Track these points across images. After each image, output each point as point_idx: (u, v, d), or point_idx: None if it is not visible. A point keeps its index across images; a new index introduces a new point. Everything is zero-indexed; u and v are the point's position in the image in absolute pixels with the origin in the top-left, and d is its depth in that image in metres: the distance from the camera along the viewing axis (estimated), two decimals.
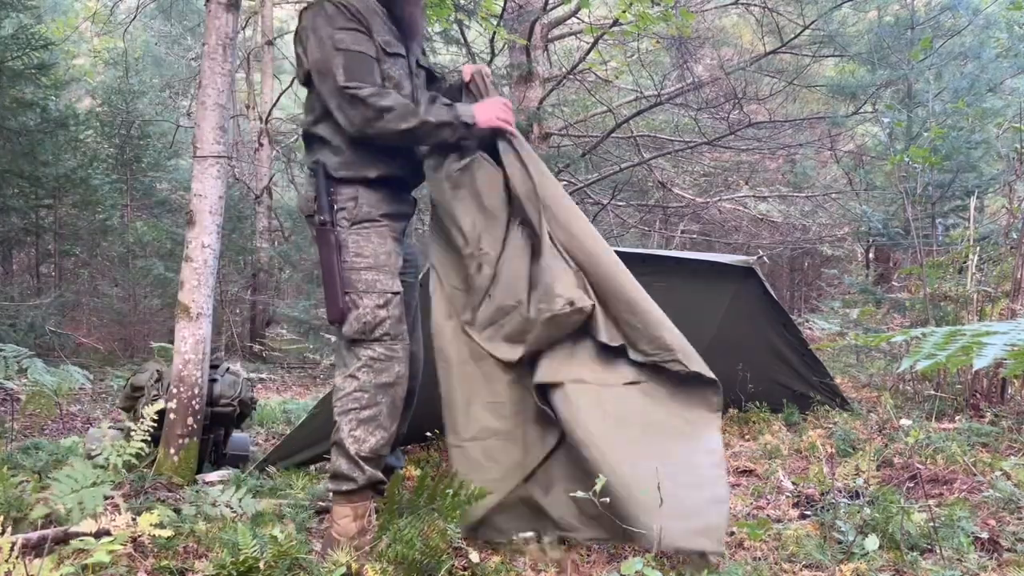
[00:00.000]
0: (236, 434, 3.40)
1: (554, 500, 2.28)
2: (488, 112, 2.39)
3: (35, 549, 2.05)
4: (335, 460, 2.28)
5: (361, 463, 2.25)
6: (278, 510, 2.55)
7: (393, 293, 2.33)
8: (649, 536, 2.01)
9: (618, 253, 2.47)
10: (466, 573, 2.11)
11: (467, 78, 2.54)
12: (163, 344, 5.02)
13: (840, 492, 2.70)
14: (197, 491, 2.64)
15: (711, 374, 2.30)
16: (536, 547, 2.24)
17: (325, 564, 2.06)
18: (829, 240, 11.06)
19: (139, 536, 1.97)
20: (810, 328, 6.82)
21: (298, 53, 2.38)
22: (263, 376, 7.14)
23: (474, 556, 2.13)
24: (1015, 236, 4.71)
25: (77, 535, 1.86)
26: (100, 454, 2.28)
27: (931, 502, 2.49)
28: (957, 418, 3.75)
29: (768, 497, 2.84)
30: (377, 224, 2.36)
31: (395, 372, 2.32)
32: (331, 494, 2.33)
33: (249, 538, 1.95)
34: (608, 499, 2.08)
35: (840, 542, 2.22)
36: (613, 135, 7.97)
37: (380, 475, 2.30)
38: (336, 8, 2.27)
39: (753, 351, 4.01)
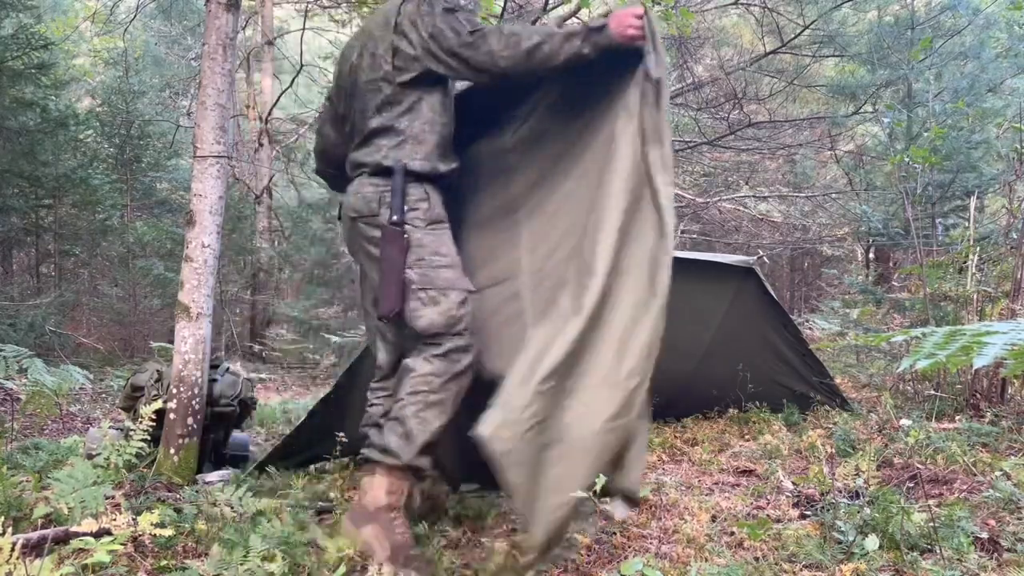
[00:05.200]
0: (236, 434, 3.40)
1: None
2: (622, 20, 2.22)
3: (35, 549, 2.05)
4: (384, 435, 2.29)
5: (416, 443, 2.26)
6: (278, 510, 2.55)
7: (469, 292, 2.40)
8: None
9: None
10: (467, 573, 2.11)
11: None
12: (163, 344, 5.03)
13: (840, 492, 2.70)
14: (197, 491, 2.64)
15: None
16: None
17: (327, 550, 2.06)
18: (829, 240, 11.07)
19: (139, 536, 1.97)
20: (810, 328, 6.83)
21: (397, 47, 2.38)
22: (263, 376, 7.14)
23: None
24: (1015, 236, 4.71)
25: (77, 535, 1.86)
26: (100, 454, 2.28)
27: (931, 502, 2.49)
28: (957, 418, 3.75)
29: (768, 497, 2.84)
30: (446, 225, 2.44)
31: (467, 363, 2.36)
32: (366, 464, 2.33)
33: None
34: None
35: (840, 542, 2.22)
36: None
37: (428, 462, 2.31)
38: None
39: (753, 351, 4.01)
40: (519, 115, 2.65)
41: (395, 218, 2.34)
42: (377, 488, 2.25)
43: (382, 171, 2.40)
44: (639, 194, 2.28)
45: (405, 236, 2.34)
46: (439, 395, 2.30)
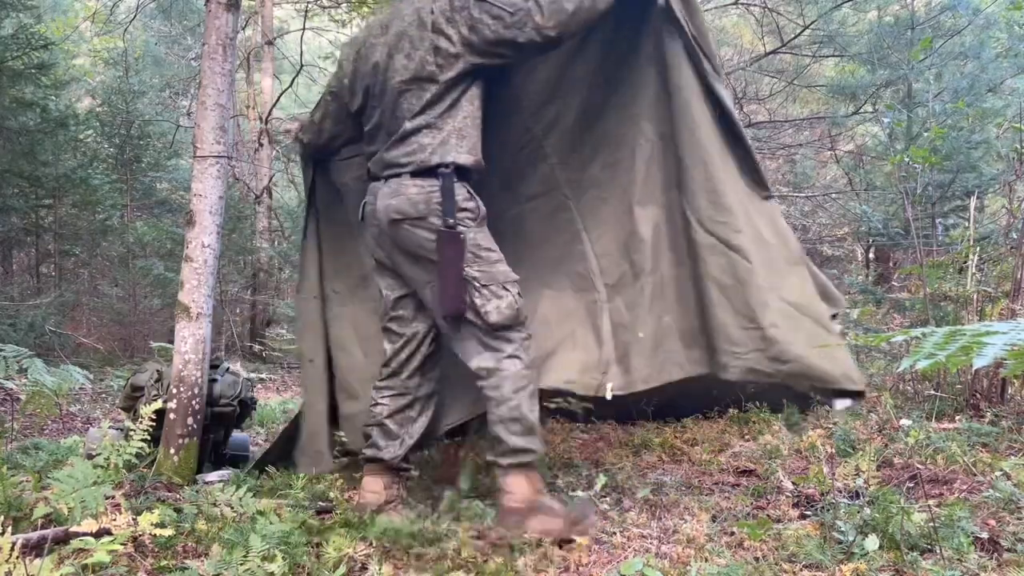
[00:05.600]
0: (236, 434, 3.40)
1: None
2: None
3: (35, 549, 2.05)
4: (506, 436, 2.36)
5: (537, 434, 2.39)
6: (278, 510, 2.55)
7: (517, 281, 2.49)
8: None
9: None
10: (468, 573, 2.11)
11: None
12: (163, 344, 5.02)
13: (840, 492, 2.70)
14: (197, 491, 2.64)
15: None
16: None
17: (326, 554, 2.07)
18: (829, 240, 11.06)
19: (139, 536, 1.97)
20: None
21: (437, 45, 2.38)
22: (263, 376, 7.14)
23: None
24: (1015, 236, 4.71)
25: (77, 535, 1.86)
26: (100, 454, 2.28)
27: (931, 502, 2.49)
28: (957, 418, 3.75)
29: (768, 497, 2.84)
30: (486, 219, 2.51)
31: (533, 351, 2.50)
32: (499, 469, 2.39)
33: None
34: None
35: (840, 542, 2.22)
36: None
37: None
38: None
39: None
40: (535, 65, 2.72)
41: (451, 221, 2.38)
42: (521, 487, 2.35)
43: (426, 171, 2.40)
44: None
45: (462, 236, 2.39)
46: (533, 386, 2.44)
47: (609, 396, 2.56)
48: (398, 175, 2.44)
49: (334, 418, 3.03)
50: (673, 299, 2.60)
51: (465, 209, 2.42)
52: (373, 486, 2.60)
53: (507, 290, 2.42)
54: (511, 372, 2.40)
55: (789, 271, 2.44)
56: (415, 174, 2.41)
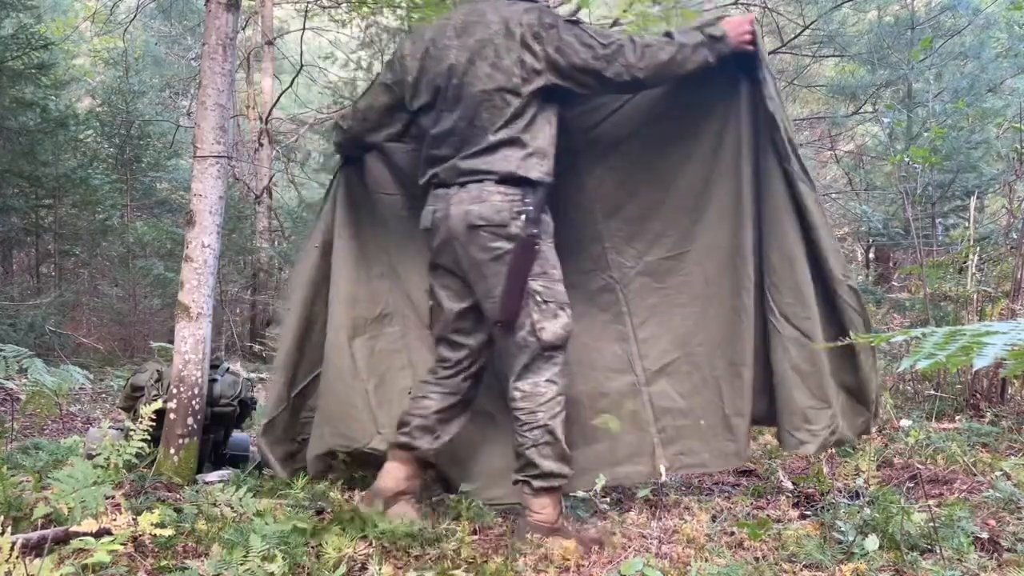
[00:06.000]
0: (236, 434, 3.40)
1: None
2: (738, 26, 2.40)
3: (35, 549, 2.05)
4: (540, 460, 2.38)
5: (568, 461, 2.43)
6: (278, 510, 2.55)
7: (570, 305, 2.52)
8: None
9: None
10: (468, 573, 2.11)
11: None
12: (163, 344, 5.02)
13: (840, 492, 2.70)
14: (197, 491, 2.64)
15: None
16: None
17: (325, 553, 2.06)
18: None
19: (139, 536, 1.97)
20: None
21: (523, 59, 2.37)
22: (263, 376, 7.13)
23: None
24: (1015, 236, 4.71)
25: (77, 535, 1.86)
26: (100, 454, 2.27)
27: (931, 502, 2.49)
28: (957, 418, 3.75)
29: (768, 497, 2.84)
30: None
31: (567, 376, 2.53)
32: (528, 488, 2.40)
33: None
34: None
35: (840, 542, 2.22)
36: None
37: None
38: (549, 7, 2.49)
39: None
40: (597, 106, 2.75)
41: (535, 231, 2.40)
42: (545, 508, 2.37)
43: (513, 181, 2.39)
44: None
45: (536, 248, 2.41)
46: (564, 411, 2.46)
47: (664, 477, 2.64)
48: (480, 181, 2.41)
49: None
50: (738, 392, 2.67)
51: (543, 223, 2.47)
52: (396, 472, 2.57)
53: (563, 311, 2.45)
54: (548, 397, 2.41)
55: (843, 355, 2.64)
56: (500, 182, 2.39)
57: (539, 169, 2.41)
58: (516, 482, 2.45)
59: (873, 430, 2.61)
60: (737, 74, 2.56)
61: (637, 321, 2.76)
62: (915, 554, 2.11)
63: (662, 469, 2.62)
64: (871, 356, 2.66)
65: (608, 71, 2.35)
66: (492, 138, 2.39)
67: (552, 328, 2.41)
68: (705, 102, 2.64)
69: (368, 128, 2.74)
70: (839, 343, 2.18)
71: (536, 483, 2.39)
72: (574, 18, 2.41)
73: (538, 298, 2.40)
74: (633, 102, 2.71)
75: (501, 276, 2.40)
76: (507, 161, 2.38)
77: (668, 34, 2.41)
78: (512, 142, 2.39)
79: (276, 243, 9.88)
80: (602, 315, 2.75)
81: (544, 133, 2.43)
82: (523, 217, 2.38)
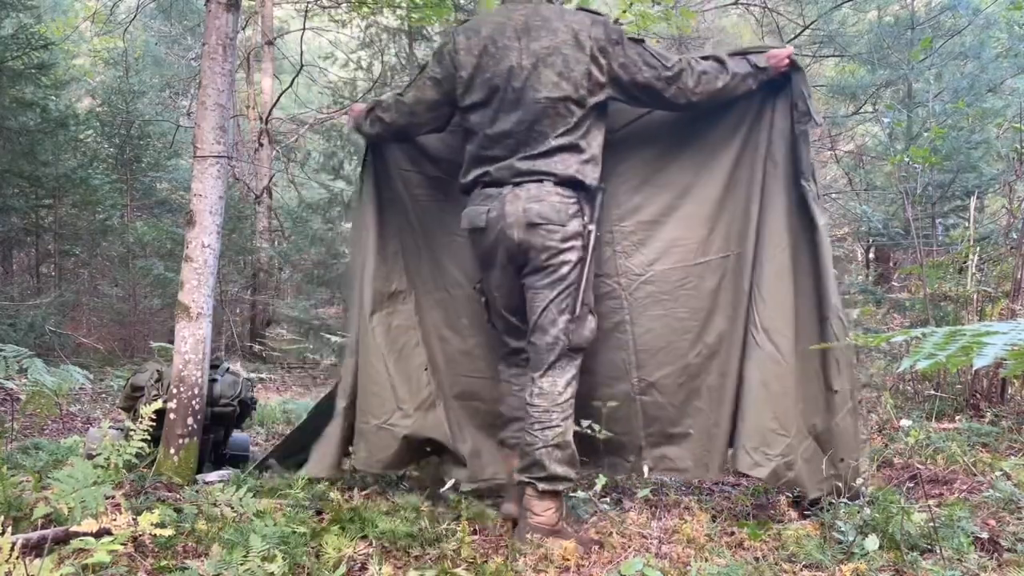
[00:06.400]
0: (236, 434, 3.40)
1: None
2: (778, 58, 2.58)
3: (35, 549, 2.05)
4: (548, 463, 2.39)
5: (575, 465, 2.46)
6: (278, 510, 2.55)
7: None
8: None
9: None
10: (468, 573, 2.11)
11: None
12: (163, 344, 5.02)
13: (840, 492, 2.69)
14: (197, 491, 2.64)
15: None
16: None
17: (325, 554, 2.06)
18: (829, 240, 11.03)
19: (139, 536, 1.97)
20: None
21: (590, 71, 2.43)
22: (263, 376, 7.13)
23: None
24: (1015, 236, 4.71)
25: (77, 535, 1.86)
26: (100, 454, 2.27)
27: (931, 502, 2.49)
28: (957, 418, 3.75)
29: (768, 497, 2.84)
30: None
31: None
32: (532, 490, 2.41)
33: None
34: None
35: (840, 542, 2.22)
36: None
37: None
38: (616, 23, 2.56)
39: None
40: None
41: (597, 233, 2.51)
42: (547, 511, 2.38)
43: (571, 183, 2.46)
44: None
45: (594, 249, 2.52)
46: (573, 414, 2.50)
47: (647, 474, 2.67)
48: (539, 181, 2.45)
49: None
50: (721, 401, 2.72)
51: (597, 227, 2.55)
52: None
53: (592, 315, 2.55)
54: (565, 398, 2.46)
55: (817, 394, 2.65)
56: (559, 183, 2.45)
57: (593, 174, 2.50)
58: (520, 483, 2.45)
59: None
60: (766, 93, 2.66)
61: (639, 331, 2.76)
62: (915, 554, 2.11)
63: (646, 469, 2.65)
64: (851, 411, 2.61)
65: (667, 92, 2.49)
66: (552, 143, 2.45)
67: (582, 331, 2.50)
68: (729, 117, 2.71)
69: (415, 122, 2.73)
70: (849, 342, 2.17)
71: (542, 485, 2.39)
72: (639, 37, 2.51)
73: (577, 300, 2.48)
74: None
75: (554, 274, 2.45)
76: (566, 165, 2.45)
77: (719, 60, 2.54)
78: (571, 147, 2.45)
79: (276, 243, 9.87)
80: (603, 322, 2.75)
81: (597, 141, 2.53)
82: (584, 218, 2.47)
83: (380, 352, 2.85)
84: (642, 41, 2.49)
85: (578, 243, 2.46)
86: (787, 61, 2.58)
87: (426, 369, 2.89)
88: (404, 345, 2.91)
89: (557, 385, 2.46)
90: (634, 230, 2.78)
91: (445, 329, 3.01)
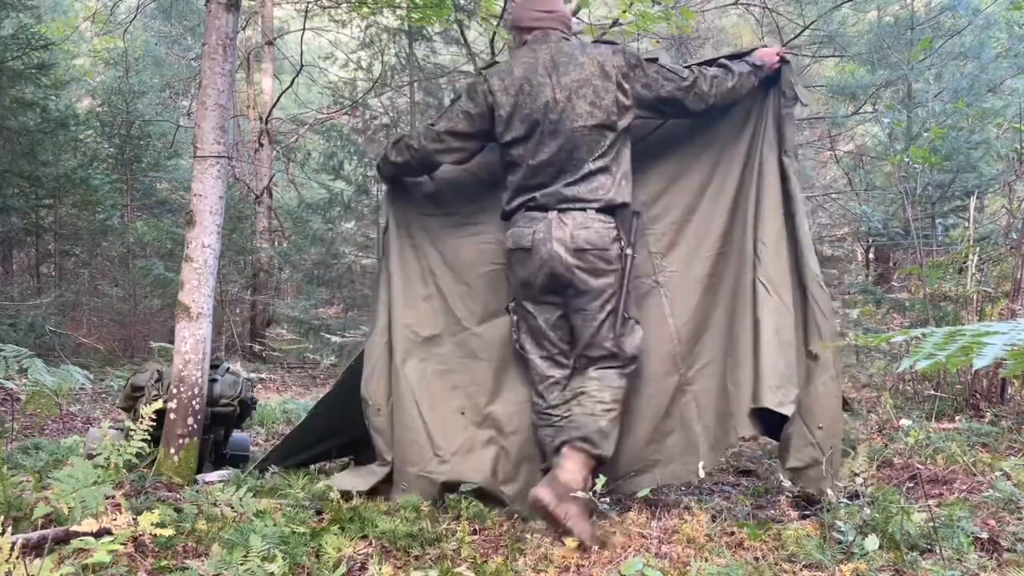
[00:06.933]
0: (236, 434, 3.40)
1: None
2: (769, 56, 2.84)
3: (35, 549, 2.05)
4: (588, 432, 2.54)
5: (612, 441, 2.60)
6: (278, 510, 2.55)
7: None
8: None
9: None
10: (468, 573, 2.11)
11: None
12: (163, 344, 5.02)
13: (840, 492, 2.69)
14: (197, 491, 2.64)
15: None
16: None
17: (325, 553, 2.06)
18: (829, 240, 11.04)
19: (139, 536, 1.97)
20: None
21: (618, 98, 2.63)
22: (263, 376, 7.14)
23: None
24: (1015, 236, 4.71)
25: (77, 535, 1.86)
26: (100, 454, 2.28)
27: (931, 502, 2.49)
28: (957, 418, 3.75)
29: (768, 497, 2.84)
30: None
31: None
32: (568, 447, 2.54)
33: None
34: None
35: (840, 542, 2.22)
36: None
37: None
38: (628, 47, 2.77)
39: None
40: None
41: (634, 256, 2.70)
42: (574, 471, 2.48)
43: (610, 209, 2.66)
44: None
45: (631, 268, 2.68)
46: (621, 408, 2.66)
47: (702, 475, 2.63)
48: (584, 209, 2.64)
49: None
50: (744, 355, 2.73)
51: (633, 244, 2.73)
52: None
53: (639, 325, 2.72)
54: (617, 386, 2.65)
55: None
56: (600, 210, 2.64)
57: (626, 191, 2.70)
58: (556, 449, 2.57)
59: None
60: (765, 89, 2.87)
61: (680, 323, 2.85)
62: (915, 554, 2.11)
63: (701, 472, 2.58)
64: (832, 377, 2.67)
65: (688, 100, 2.70)
66: (590, 166, 2.65)
67: (632, 341, 2.68)
68: (736, 114, 2.88)
69: (443, 149, 2.84)
70: (850, 342, 2.18)
71: (579, 443, 2.52)
72: (653, 56, 2.71)
73: (626, 315, 2.66)
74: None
75: (600, 296, 2.64)
76: (604, 189, 2.65)
77: (722, 64, 2.75)
78: (606, 170, 2.66)
79: (276, 243, 9.87)
80: (648, 322, 2.81)
81: (626, 157, 2.73)
82: (622, 242, 2.66)
83: (413, 399, 2.87)
84: (655, 59, 2.70)
85: (618, 265, 2.66)
86: (777, 61, 2.84)
87: (462, 413, 2.89)
88: (440, 390, 2.92)
89: (613, 381, 2.64)
90: (665, 231, 2.91)
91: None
